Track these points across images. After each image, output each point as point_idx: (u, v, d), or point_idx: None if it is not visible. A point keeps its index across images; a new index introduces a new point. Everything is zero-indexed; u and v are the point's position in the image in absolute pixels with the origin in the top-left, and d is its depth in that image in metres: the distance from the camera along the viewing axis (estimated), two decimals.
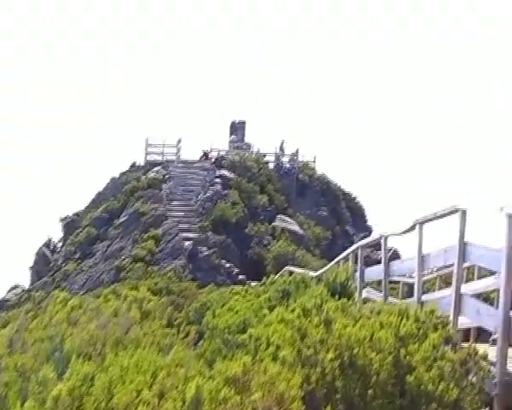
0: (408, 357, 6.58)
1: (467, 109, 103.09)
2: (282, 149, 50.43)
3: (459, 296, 9.01)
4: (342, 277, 12.84)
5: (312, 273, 19.49)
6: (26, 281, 43.21)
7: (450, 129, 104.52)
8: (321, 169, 51.52)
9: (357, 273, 13.74)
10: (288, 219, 42.40)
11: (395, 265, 12.08)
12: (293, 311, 7.88)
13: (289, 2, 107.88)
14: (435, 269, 15.17)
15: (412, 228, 10.98)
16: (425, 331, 7.03)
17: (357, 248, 14.11)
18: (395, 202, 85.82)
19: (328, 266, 17.24)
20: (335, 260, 16.76)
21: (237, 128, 52.60)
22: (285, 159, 50.60)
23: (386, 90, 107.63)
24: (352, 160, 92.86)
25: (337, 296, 12.57)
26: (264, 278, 21.66)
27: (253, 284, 33.76)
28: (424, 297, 10.78)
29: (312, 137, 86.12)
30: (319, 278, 17.83)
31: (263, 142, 51.26)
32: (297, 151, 50.58)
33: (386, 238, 12.35)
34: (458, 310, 8.98)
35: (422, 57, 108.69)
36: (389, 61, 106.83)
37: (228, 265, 35.66)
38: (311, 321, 7.13)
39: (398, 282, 19.43)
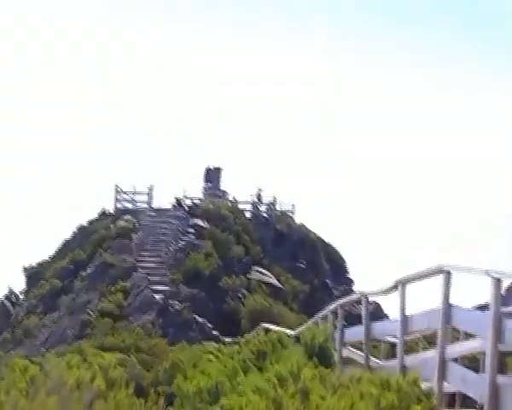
0: None
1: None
2: (259, 197, 50.49)
3: (443, 362, 9.00)
4: (321, 338, 12.79)
5: (290, 332, 19.40)
6: None
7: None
8: (300, 218, 51.68)
9: (337, 334, 13.68)
10: (264, 271, 42.32)
11: (377, 326, 12.06)
12: (268, 380, 7.80)
13: None
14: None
15: (394, 288, 11.00)
16: (407, 403, 6.97)
17: (337, 307, 14.07)
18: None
19: (307, 325, 17.16)
20: (314, 318, 16.70)
21: (212, 174, 52.70)
22: (262, 208, 50.64)
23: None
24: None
25: (315, 358, 12.53)
26: (239, 337, 21.52)
27: (228, 340, 33.57)
28: (407, 359, 10.73)
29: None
30: (297, 337, 17.78)
31: (239, 189, 51.38)
32: (274, 199, 50.73)
33: (366, 297, 12.33)
34: (442, 376, 8.95)
35: None
36: None
37: (200, 320, 35.40)
38: (286, 391, 7.06)
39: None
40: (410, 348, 17.04)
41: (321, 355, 12.61)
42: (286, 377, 7.36)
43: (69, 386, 7.61)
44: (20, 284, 46.11)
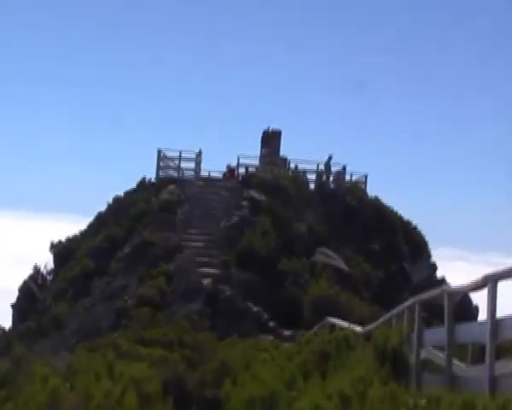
0: None
1: None
2: (328, 166, 49.87)
3: None
4: (394, 340, 12.72)
5: (358, 328, 19.38)
6: (6, 320, 43.26)
7: None
8: (373, 190, 51.16)
9: (414, 335, 13.56)
10: (330, 253, 42.18)
11: (461, 330, 11.89)
12: (330, 398, 7.77)
13: None
14: None
15: (482, 285, 10.84)
16: None
17: (414, 304, 13.93)
18: None
19: (378, 323, 17.09)
20: (386, 315, 16.59)
21: (270, 138, 52.53)
22: (329, 178, 50.13)
23: None
24: None
25: (388, 364, 12.48)
26: (301, 332, 21.53)
27: (287, 332, 33.69)
28: (498, 366, 10.54)
29: None
30: (367, 336, 17.75)
31: (302, 155, 51.15)
32: (344, 168, 50.21)
33: (449, 295, 12.17)
34: None
35: None
36: None
37: (255, 309, 35.57)
38: None
39: None
40: (503, 350, 16.83)
41: (394, 360, 12.56)
42: (350, 397, 7.32)
43: (96, 402, 7.66)
44: (46, 262, 46.51)
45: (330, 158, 49.78)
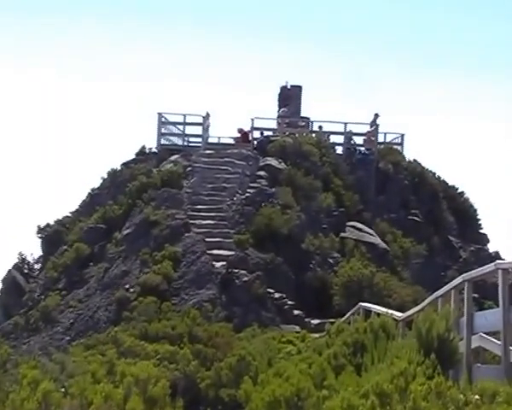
0: None
1: None
2: (374, 123, 49.14)
3: None
4: (441, 327, 12.71)
5: (398, 314, 19.39)
6: None
7: None
8: (411, 153, 51.02)
9: (464, 319, 13.55)
10: (363, 227, 42.21)
11: None
12: (365, 396, 7.77)
13: None
14: None
15: None
16: None
17: (463, 283, 13.90)
18: None
19: (421, 306, 17.07)
20: (430, 297, 16.56)
21: (290, 96, 52.45)
22: (358, 139, 49.74)
23: None
24: None
25: (433, 355, 12.49)
26: (330, 322, 21.56)
27: (315, 322, 33.74)
28: None
29: None
30: (409, 322, 17.76)
31: (326, 115, 51.06)
32: (376, 127, 49.80)
33: (504, 271, 12.12)
34: None
35: None
36: None
37: (277, 295, 35.65)
38: None
39: None
40: None
41: (441, 350, 12.55)
42: (390, 394, 7.32)
43: (95, 408, 7.62)
44: (34, 249, 46.69)
45: (377, 116, 49.22)
